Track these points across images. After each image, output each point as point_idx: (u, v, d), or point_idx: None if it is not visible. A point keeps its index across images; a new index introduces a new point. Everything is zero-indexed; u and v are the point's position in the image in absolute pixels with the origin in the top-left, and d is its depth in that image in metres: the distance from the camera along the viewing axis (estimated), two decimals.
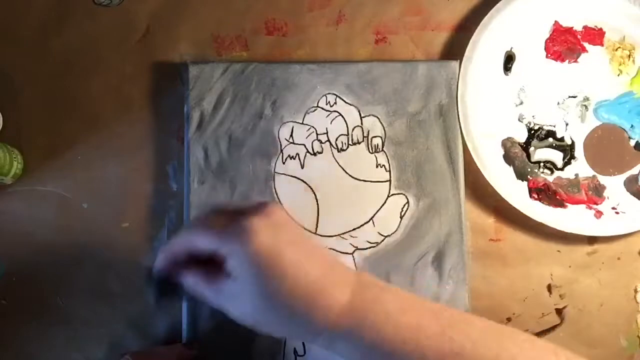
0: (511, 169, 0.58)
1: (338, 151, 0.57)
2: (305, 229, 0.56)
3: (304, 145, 0.57)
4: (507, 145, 0.58)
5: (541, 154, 0.59)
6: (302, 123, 0.57)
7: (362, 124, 0.58)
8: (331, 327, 0.39)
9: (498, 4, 0.58)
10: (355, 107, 0.58)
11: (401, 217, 0.57)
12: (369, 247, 0.56)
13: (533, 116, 0.59)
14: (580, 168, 0.58)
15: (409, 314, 0.40)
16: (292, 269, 0.39)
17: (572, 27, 0.59)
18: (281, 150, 0.57)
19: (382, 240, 0.56)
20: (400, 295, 0.41)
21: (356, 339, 0.39)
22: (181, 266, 0.42)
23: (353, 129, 0.57)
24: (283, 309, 0.39)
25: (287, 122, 0.57)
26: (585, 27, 0.59)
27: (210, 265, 0.41)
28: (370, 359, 0.40)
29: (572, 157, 0.58)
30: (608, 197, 0.58)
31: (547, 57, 0.59)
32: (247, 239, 0.38)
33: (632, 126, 0.58)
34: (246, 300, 0.39)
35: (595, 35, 0.59)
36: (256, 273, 0.38)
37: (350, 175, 0.57)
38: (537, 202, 0.57)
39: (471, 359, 0.39)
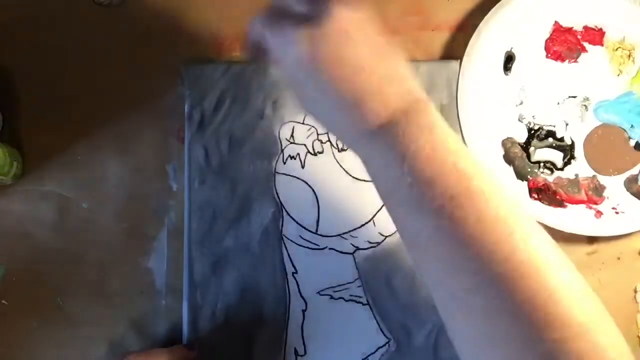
0: (511, 169, 0.58)
1: (339, 151, 0.57)
2: (305, 228, 0.56)
3: (304, 145, 0.57)
4: (507, 145, 0.58)
5: (541, 154, 0.59)
6: (303, 123, 0.57)
7: None
8: (369, 135, 0.39)
9: (498, 4, 0.58)
10: None
11: None
12: (370, 247, 0.56)
13: (533, 116, 0.59)
14: (580, 168, 0.58)
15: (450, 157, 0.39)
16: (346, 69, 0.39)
17: (572, 27, 0.59)
18: (282, 150, 0.57)
19: (383, 240, 0.56)
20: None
21: (392, 146, 0.39)
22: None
23: None
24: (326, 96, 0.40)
25: (288, 122, 0.57)
26: (585, 27, 0.59)
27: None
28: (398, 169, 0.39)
29: (572, 157, 0.59)
30: (608, 197, 0.58)
31: (547, 57, 0.59)
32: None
33: (632, 126, 0.58)
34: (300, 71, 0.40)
35: (595, 35, 0.59)
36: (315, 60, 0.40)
37: (350, 175, 0.57)
38: (537, 202, 0.58)
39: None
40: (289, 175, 0.57)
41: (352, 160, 0.57)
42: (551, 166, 0.58)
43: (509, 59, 0.59)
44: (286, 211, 0.56)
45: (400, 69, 0.41)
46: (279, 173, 0.57)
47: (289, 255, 0.56)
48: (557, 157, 0.59)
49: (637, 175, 0.58)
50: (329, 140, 0.57)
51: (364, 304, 0.56)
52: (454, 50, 0.60)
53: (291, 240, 0.56)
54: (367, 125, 0.39)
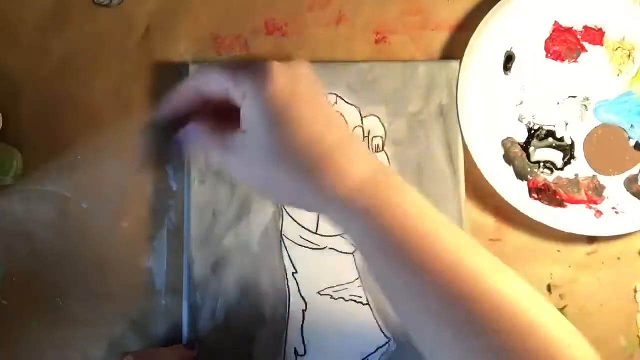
0: (511, 169, 0.58)
1: None
2: (305, 228, 0.56)
3: None
4: (507, 145, 0.58)
5: (541, 154, 0.59)
6: None
7: (362, 124, 0.58)
8: (343, 199, 0.37)
9: (498, 4, 0.58)
10: (356, 107, 0.58)
11: None
12: None
13: (533, 116, 0.59)
14: (580, 168, 0.58)
15: (427, 222, 0.37)
16: (307, 126, 0.36)
17: (572, 27, 0.59)
18: None
19: None
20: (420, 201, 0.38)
21: (370, 220, 0.37)
22: (189, 117, 0.40)
23: (354, 129, 0.57)
24: (292, 166, 0.36)
25: None
26: (585, 27, 0.59)
27: (220, 120, 0.38)
28: (380, 248, 0.37)
29: (572, 157, 0.58)
30: (608, 197, 0.58)
31: (547, 57, 0.59)
32: (264, 81, 0.35)
33: (632, 126, 0.58)
34: (254, 152, 0.37)
35: (595, 35, 0.59)
36: (269, 120, 0.36)
37: None
38: (537, 202, 0.58)
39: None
40: None
41: None
42: (551, 166, 0.58)
43: (509, 59, 0.59)
44: (286, 211, 0.56)
45: (354, 139, 0.39)
46: None
47: (289, 255, 0.56)
48: (557, 157, 0.59)
49: (637, 175, 0.58)
50: None
51: (364, 304, 0.56)
52: (454, 50, 0.60)
53: (291, 240, 0.56)
54: (334, 190, 0.37)
